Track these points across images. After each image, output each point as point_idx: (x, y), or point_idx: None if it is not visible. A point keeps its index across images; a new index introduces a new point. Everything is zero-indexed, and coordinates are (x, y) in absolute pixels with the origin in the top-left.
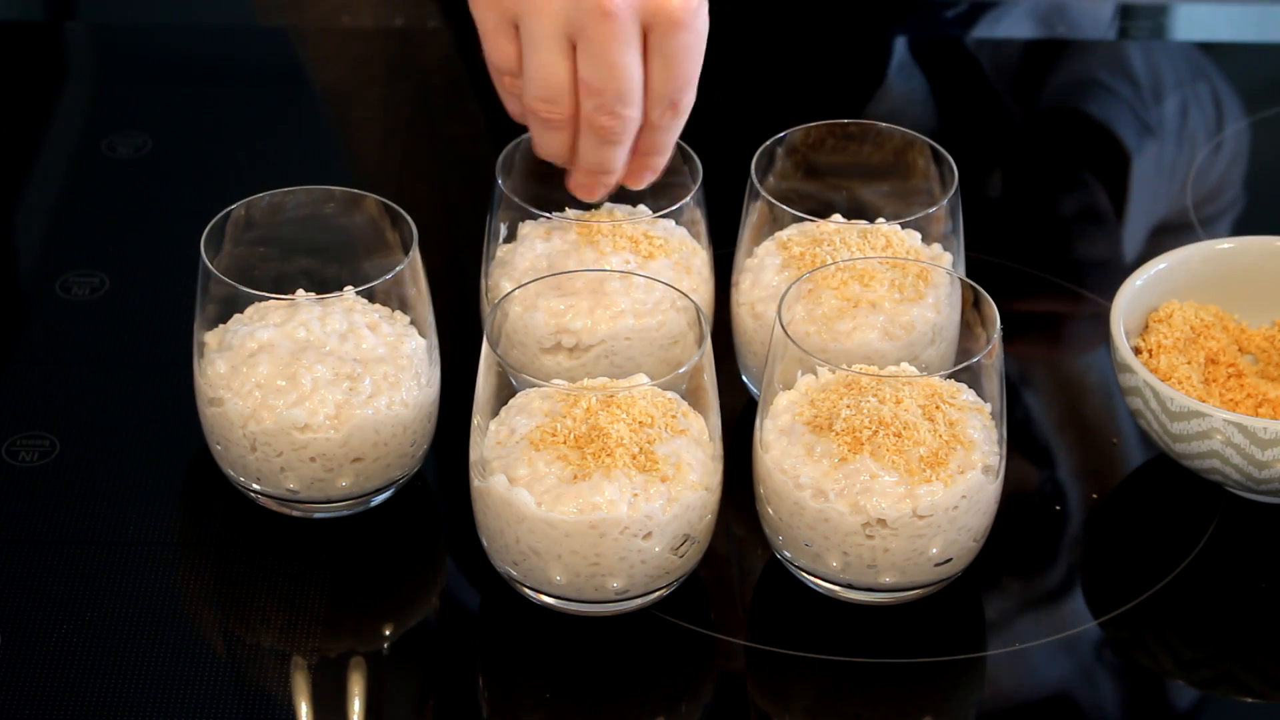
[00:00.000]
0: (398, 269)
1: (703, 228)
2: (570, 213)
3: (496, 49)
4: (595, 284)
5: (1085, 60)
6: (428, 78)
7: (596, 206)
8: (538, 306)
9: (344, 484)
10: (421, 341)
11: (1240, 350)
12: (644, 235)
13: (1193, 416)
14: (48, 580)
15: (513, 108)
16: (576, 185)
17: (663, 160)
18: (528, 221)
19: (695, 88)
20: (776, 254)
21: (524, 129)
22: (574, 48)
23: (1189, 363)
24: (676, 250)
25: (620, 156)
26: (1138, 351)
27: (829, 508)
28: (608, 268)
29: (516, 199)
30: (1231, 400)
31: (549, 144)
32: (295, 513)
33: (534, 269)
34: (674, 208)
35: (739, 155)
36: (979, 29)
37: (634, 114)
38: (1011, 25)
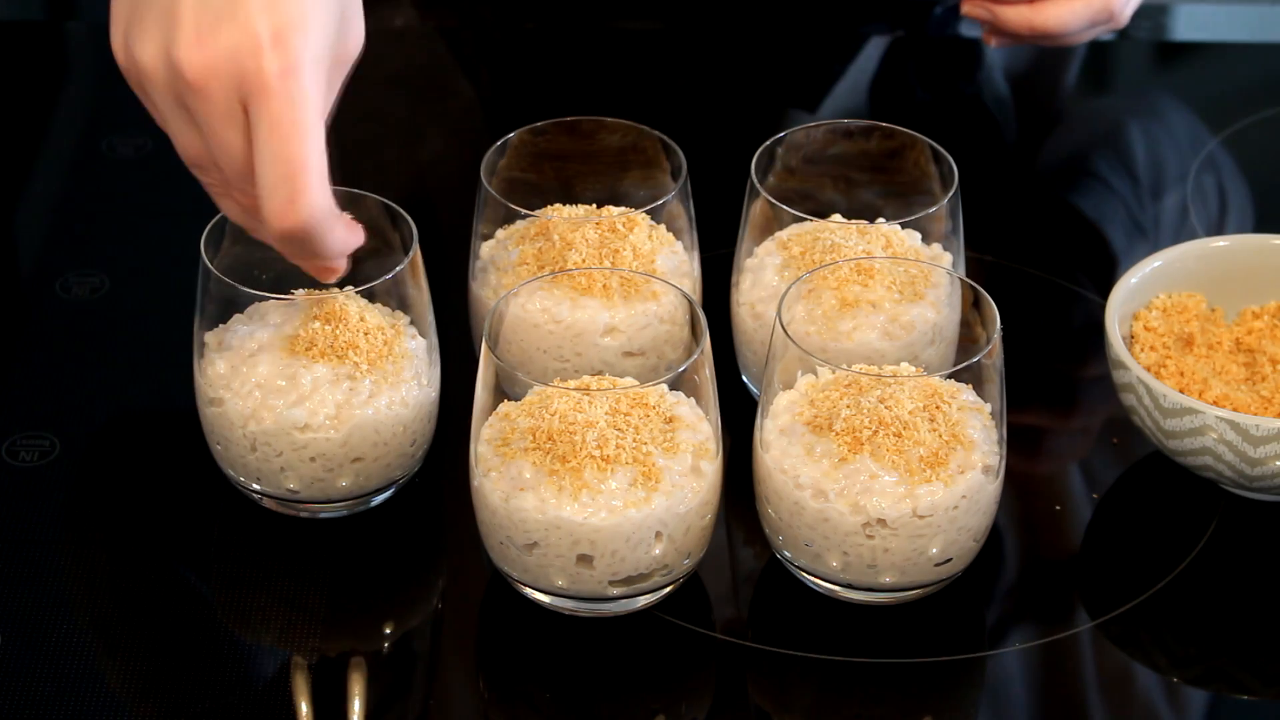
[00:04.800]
0: (398, 269)
1: (686, 225)
2: (551, 211)
3: (147, 107)
4: (592, 282)
5: (1090, 59)
6: (429, 77)
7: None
8: (535, 305)
9: (344, 484)
10: (422, 341)
11: (1225, 342)
12: (617, 231)
13: (1185, 413)
14: (48, 580)
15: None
16: (315, 271)
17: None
18: (517, 222)
19: (305, 170)
20: (776, 254)
21: (516, 127)
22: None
23: (1179, 357)
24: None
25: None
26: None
27: (829, 508)
28: (603, 266)
29: (501, 199)
30: (1223, 385)
31: (224, 206)
32: (295, 513)
33: (520, 268)
34: (656, 205)
35: (738, 155)
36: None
37: (265, 198)
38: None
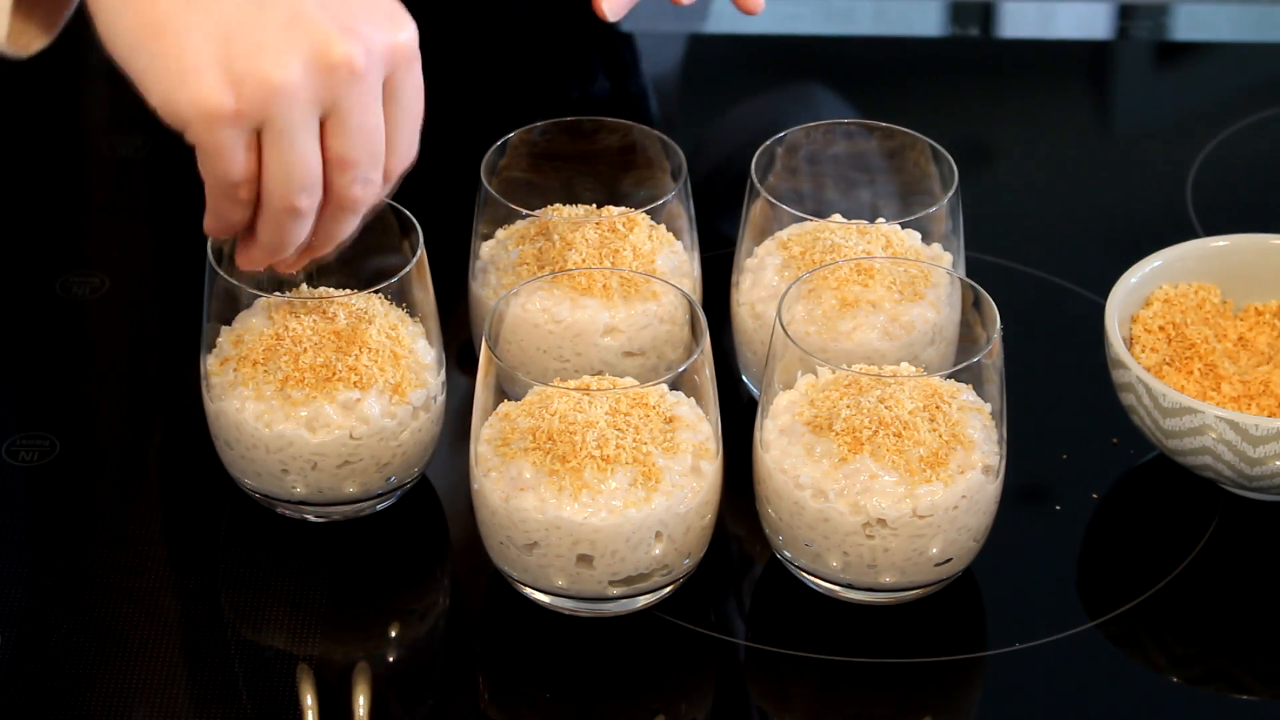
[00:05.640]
0: (405, 270)
1: (686, 225)
2: (551, 211)
3: (234, 163)
4: (592, 282)
5: (1090, 59)
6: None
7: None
8: (535, 305)
9: (347, 486)
10: (425, 342)
11: (1223, 338)
12: (617, 231)
13: (1185, 413)
14: (48, 580)
15: (238, 216)
16: (288, 264)
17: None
18: (517, 222)
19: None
20: (776, 254)
21: (508, 130)
22: (322, 126)
23: (1175, 355)
24: (656, 246)
25: (355, 223)
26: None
27: (829, 508)
28: (604, 266)
29: (502, 199)
30: (1218, 382)
31: (293, 234)
32: (297, 514)
33: (520, 268)
34: (656, 205)
35: (738, 155)
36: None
37: (379, 176)
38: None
